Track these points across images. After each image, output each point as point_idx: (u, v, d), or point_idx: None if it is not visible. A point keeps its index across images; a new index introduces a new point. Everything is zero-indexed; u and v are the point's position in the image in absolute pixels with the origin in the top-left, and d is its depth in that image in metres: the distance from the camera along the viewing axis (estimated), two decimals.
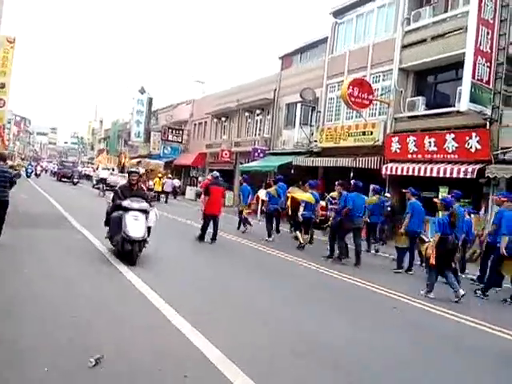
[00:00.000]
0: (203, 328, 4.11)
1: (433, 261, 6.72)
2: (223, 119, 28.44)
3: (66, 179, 33.49)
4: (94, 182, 27.31)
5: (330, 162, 17.18)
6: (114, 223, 6.93)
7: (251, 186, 13.99)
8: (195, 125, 33.50)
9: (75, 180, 32.22)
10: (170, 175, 26.71)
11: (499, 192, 10.65)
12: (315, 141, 18.68)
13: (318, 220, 11.41)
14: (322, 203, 12.21)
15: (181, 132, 34.29)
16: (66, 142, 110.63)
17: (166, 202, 22.92)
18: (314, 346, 4.19)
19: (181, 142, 34.35)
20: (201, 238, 10.16)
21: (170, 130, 34.17)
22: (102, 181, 23.75)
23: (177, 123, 35.52)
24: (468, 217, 9.29)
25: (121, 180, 29.73)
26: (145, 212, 6.89)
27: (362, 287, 7.19)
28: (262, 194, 13.49)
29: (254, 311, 5.19)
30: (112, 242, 7.23)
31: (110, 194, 8.18)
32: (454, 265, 7.29)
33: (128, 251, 6.54)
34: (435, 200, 7.83)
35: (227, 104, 26.82)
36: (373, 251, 11.40)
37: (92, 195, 22.81)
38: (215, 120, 29.52)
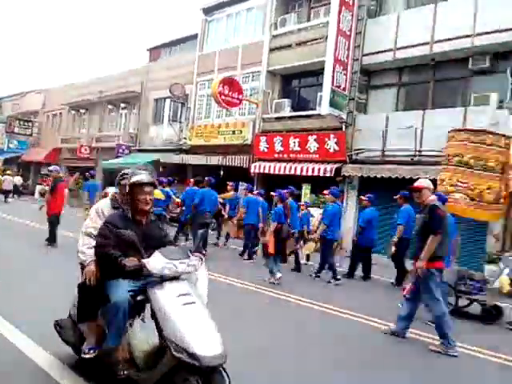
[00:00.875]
0: None
1: (272, 250, 7.13)
2: (82, 111, 25.88)
3: None
4: None
5: (200, 159, 16.89)
6: (116, 321, 2.78)
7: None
8: (48, 116, 29.88)
9: None
10: (8, 172, 23.48)
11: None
12: (185, 138, 18.19)
13: (169, 216, 11.19)
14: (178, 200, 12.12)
15: (30, 124, 30.28)
16: None
17: (5, 201, 20.86)
18: None
19: (30, 135, 30.31)
20: (53, 240, 9.03)
21: (17, 122, 29.98)
22: None
23: (26, 114, 31.30)
24: (306, 210, 10.41)
25: None
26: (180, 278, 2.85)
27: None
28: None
29: None
30: (114, 367, 2.81)
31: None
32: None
33: None
34: (272, 194, 8.53)
35: (87, 95, 24.51)
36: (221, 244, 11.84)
37: None
38: (73, 112, 26.70)
